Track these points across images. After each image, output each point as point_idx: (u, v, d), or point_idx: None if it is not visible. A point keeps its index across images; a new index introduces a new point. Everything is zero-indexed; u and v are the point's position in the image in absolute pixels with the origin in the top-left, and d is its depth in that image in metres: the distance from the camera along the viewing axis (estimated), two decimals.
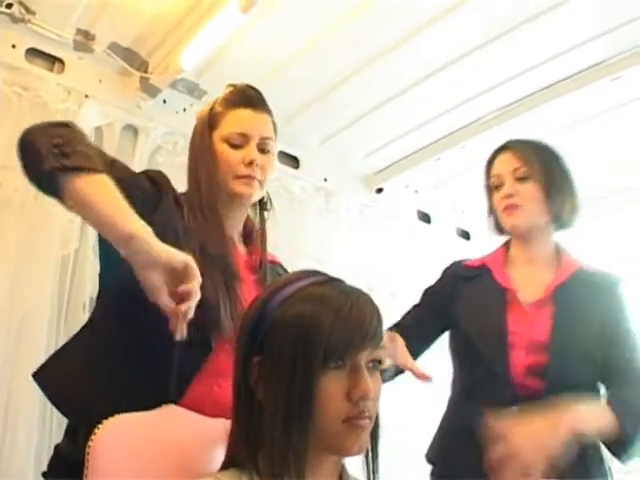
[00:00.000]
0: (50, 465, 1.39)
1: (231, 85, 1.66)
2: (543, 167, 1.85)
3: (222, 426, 1.20)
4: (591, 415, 1.57)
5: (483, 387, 1.79)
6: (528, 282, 1.86)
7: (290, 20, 2.47)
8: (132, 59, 2.67)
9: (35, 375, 1.41)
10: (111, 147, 2.63)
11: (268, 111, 1.63)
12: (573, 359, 1.71)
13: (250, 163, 1.54)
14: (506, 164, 1.89)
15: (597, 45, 2.52)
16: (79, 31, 2.55)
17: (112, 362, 1.33)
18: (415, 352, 1.86)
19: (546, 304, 1.80)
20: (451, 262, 2.06)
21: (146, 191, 1.42)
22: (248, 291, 1.47)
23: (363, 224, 3.60)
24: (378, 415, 1.09)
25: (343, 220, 3.49)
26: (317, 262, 3.06)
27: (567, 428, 1.49)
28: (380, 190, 3.64)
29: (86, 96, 2.61)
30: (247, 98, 1.60)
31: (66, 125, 1.30)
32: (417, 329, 1.94)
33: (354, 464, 1.13)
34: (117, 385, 1.29)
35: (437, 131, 3.23)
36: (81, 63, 2.62)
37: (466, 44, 2.60)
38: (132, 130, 2.76)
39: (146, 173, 1.52)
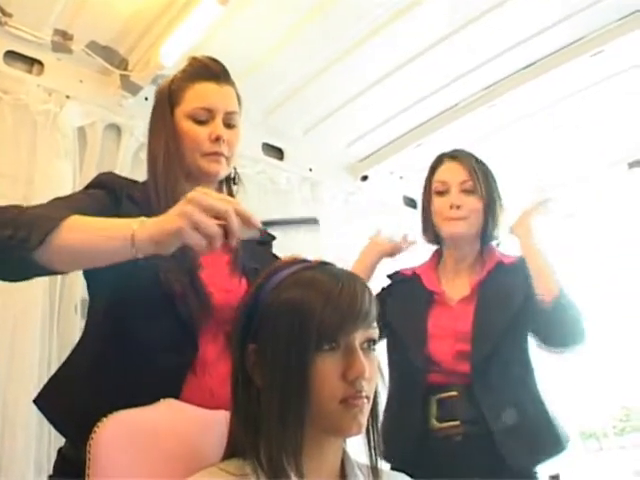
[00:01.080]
0: (55, 468, 1.39)
1: (192, 58, 1.59)
2: (486, 183, 2.00)
3: (222, 417, 1.21)
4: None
5: (408, 387, 1.92)
6: (456, 283, 2.03)
7: (267, 12, 2.47)
8: (111, 57, 2.66)
9: (35, 401, 1.40)
10: (94, 147, 2.63)
11: (232, 83, 1.57)
12: (495, 342, 1.85)
13: (217, 139, 1.49)
14: (455, 174, 2.01)
15: (576, 21, 2.53)
16: (57, 31, 2.53)
17: (105, 374, 1.31)
18: None
19: (471, 300, 1.96)
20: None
21: (105, 205, 1.37)
22: (219, 274, 1.44)
23: (350, 212, 3.60)
24: (377, 394, 1.10)
25: (330, 209, 3.49)
26: (305, 252, 3.05)
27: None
28: (365, 177, 3.67)
29: (67, 97, 2.60)
30: (210, 71, 1.53)
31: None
32: None
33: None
34: (114, 396, 1.24)
35: (419, 116, 3.24)
36: (60, 64, 2.61)
37: (443, 28, 2.61)
38: (115, 129, 2.75)
39: (99, 181, 1.46)
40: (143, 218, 1.13)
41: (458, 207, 1.97)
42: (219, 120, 1.51)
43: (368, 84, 2.95)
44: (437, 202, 2.03)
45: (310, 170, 3.45)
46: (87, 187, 1.46)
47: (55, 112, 2.54)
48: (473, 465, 1.77)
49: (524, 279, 1.91)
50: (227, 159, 1.52)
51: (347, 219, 3.54)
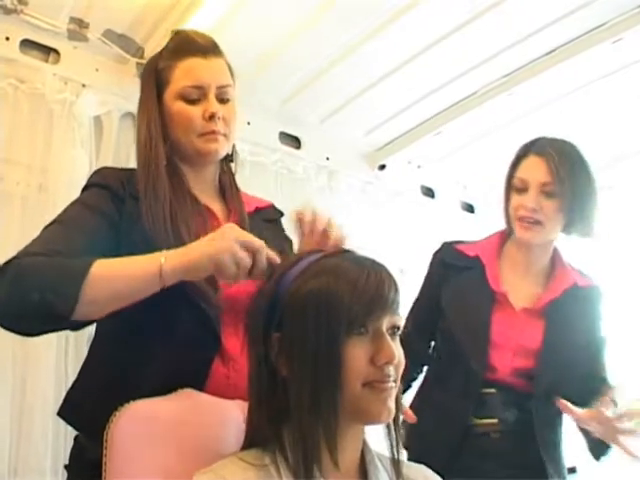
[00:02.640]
0: (72, 456, 1.38)
1: (174, 32, 1.52)
2: (572, 184, 1.80)
3: (239, 407, 1.20)
4: None
5: (457, 381, 1.88)
6: (521, 287, 1.91)
7: (283, 0, 2.44)
8: (128, 45, 2.65)
9: (59, 413, 1.38)
10: (110, 135, 2.62)
11: (221, 54, 1.48)
12: (561, 368, 1.80)
13: (211, 117, 1.41)
14: (537, 173, 1.82)
15: (596, 8, 2.49)
16: (73, 19, 2.52)
17: (124, 381, 1.28)
18: (422, 351, 2.04)
19: (539, 314, 1.87)
20: (441, 245, 2.06)
21: (110, 214, 1.34)
22: None
23: (367, 201, 3.59)
24: (399, 383, 1.09)
25: (347, 198, 3.47)
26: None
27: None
28: (383, 167, 3.63)
29: (83, 85, 2.59)
30: (195, 45, 1.45)
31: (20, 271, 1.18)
32: (418, 332, 2.02)
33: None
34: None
35: (437, 105, 3.20)
36: (76, 52, 2.60)
37: (461, 15, 2.57)
38: (131, 117, 2.73)
39: (101, 178, 1.42)
40: (165, 252, 1.17)
41: (534, 210, 1.81)
42: (212, 96, 1.43)
43: (385, 72, 2.91)
44: (515, 200, 1.87)
45: (327, 159, 3.42)
46: (88, 185, 1.42)
47: (71, 101, 2.54)
48: (508, 463, 1.78)
49: (593, 312, 1.92)
50: (225, 136, 1.45)
51: (364, 208, 3.53)
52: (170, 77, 1.44)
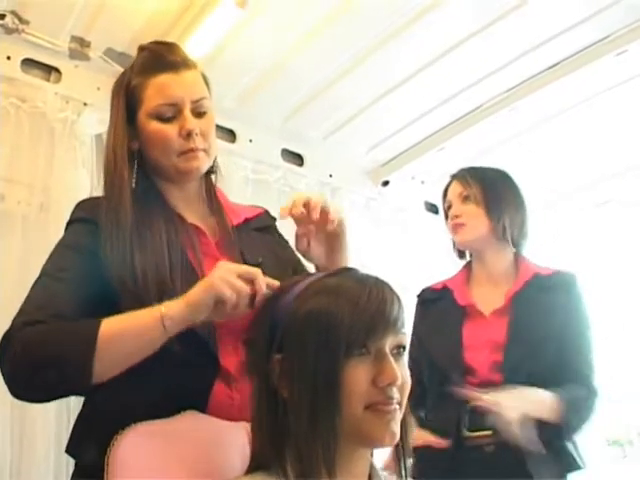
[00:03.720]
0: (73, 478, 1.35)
1: (140, 47, 1.45)
2: (481, 188, 2.07)
3: (244, 429, 1.18)
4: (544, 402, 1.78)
5: (444, 400, 1.93)
6: (489, 295, 2.05)
7: (286, 17, 2.44)
8: (129, 64, 2.62)
9: (67, 450, 1.34)
10: None
11: (192, 66, 1.41)
12: (527, 358, 1.87)
13: (189, 134, 1.35)
14: (454, 190, 2.14)
15: (599, 21, 2.48)
16: (74, 38, 2.53)
17: (125, 407, 1.23)
18: (422, 398, 2.03)
19: (506, 311, 1.97)
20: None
21: (89, 247, 1.29)
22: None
23: (371, 217, 3.57)
24: (407, 404, 1.06)
25: (350, 215, 3.45)
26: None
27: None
28: (386, 183, 3.62)
29: (84, 104, 2.60)
30: (164, 60, 1.38)
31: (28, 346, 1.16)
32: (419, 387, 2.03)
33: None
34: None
35: (440, 120, 3.20)
36: (78, 71, 2.61)
37: (463, 30, 2.58)
38: None
39: (79, 211, 1.39)
40: (166, 302, 1.15)
41: (457, 216, 2.09)
42: (187, 112, 1.36)
43: (388, 88, 2.91)
44: (449, 218, 2.15)
45: (330, 176, 3.42)
46: (70, 221, 1.39)
47: (72, 120, 2.54)
48: (504, 476, 1.75)
49: (564, 298, 1.95)
50: (205, 151, 1.39)
51: (367, 225, 3.51)
52: (142, 96, 1.38)
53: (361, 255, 3.22)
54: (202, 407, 1.25)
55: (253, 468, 1.07)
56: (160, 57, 1.39)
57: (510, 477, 1.75)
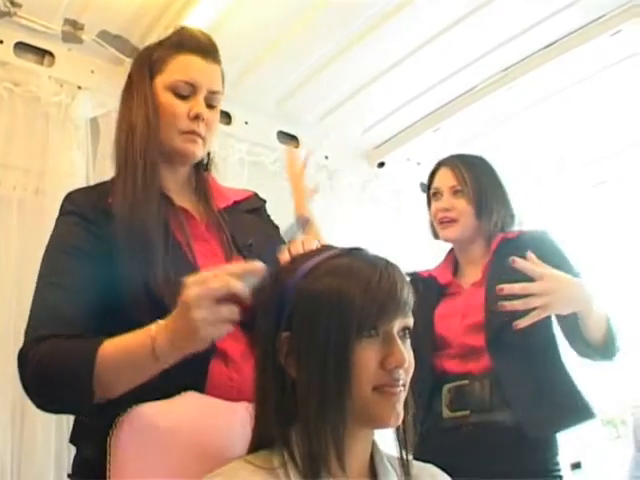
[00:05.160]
0: (74, 465, 1.35)
1: (181, 27, 1.49)
2: (474, 185, 2.07)
3: (245, 409, 1.18)
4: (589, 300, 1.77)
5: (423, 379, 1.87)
6: (468, 273, 2.10)
7: None
8: (123, 46, 2.63)
9: (71, 440, 1.36)
10: (107, 137, 2.60)
11: (219, 62, 1.47)
12: (508, 316, 1.78)
13: (196, 117, 1.39)
14: (446, 180, 2.12)
15: (595, 0, 2.47)
16: (67, 21, 2.50)
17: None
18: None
19: (482, 282, 2.01)
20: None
21: (82, 244, 1.31)
22: (213, 263, 1.30)
23: (367, 199, 3.58)
24: (408, 386, 1.08)
25: (346, 196, 3.46)
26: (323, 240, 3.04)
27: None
28: (382, 164, 3.62)
29: (79, 87, 2.58)
30: (198, 43, 1.44)
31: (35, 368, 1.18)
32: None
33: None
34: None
35: (435, 101, 3.19)
36: (71, 54, 2.59)
37: (458, 10, 2.55)
38: None
39: (70, 203, 1.38)
40: (155, 330, 1.10)
41: (447, 209, 2.08)
42: (201, 97, 1.41)
43: (383, 69, 2.90)
44: (433, 206, 2.14)
45: (326, 158, 3.41)
46: (60, 214, 1.39)
47: (67, 103, 2.52)
48: (484, 455, 1.79)
49: (538, 253, 1.84)
50: (204, 140, 1.43)
51: (364, 206, 3.52)
52: (164, 67, 1.42)
53: (358, 237, 3.23)
54: (201, 388, 1.25)
55: (254, 447, 1.08)
56: (196, 39, 1.44)
57: (488, 458, 1.77)
